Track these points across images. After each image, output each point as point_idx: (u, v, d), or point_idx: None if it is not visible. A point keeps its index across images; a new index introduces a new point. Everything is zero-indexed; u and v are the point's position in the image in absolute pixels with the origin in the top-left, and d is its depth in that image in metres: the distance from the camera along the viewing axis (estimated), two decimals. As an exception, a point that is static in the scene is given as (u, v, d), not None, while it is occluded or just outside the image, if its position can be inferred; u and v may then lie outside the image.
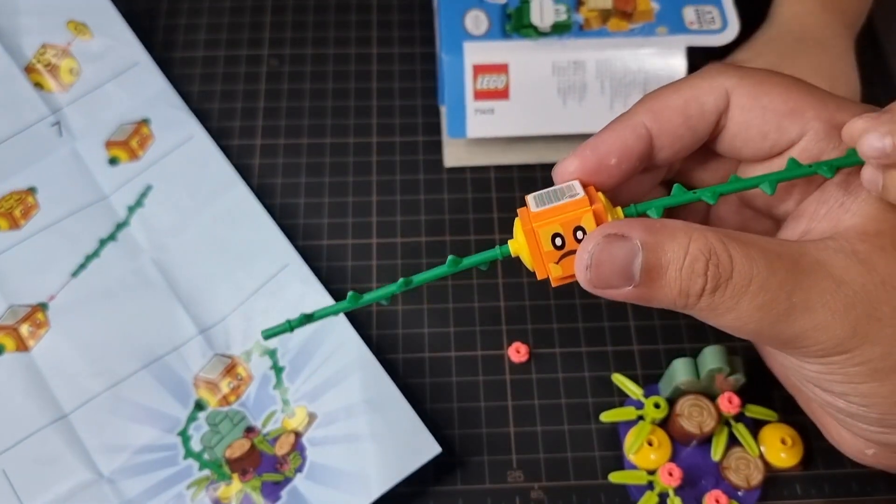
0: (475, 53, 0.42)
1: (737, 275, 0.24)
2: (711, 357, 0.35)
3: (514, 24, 0.43)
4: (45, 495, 0.35)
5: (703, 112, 0.28)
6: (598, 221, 0.26)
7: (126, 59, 0.46)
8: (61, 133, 0.43)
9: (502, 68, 0.42)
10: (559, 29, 0.43)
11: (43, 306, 0.39)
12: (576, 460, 0.37)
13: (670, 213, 0.30)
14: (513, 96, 0.42)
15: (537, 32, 0.43)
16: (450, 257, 0.27)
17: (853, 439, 0.30)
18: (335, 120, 0.46)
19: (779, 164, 0.28)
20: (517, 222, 0.27)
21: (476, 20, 0.43)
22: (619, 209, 0.27)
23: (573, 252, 0.26)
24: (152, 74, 0.46)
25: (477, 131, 0.42)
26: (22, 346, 0.38)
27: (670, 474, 0.35)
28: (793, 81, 0.28)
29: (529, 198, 0.27)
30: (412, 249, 0.42)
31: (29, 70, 0.44)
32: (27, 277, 0.40)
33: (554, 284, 0.27)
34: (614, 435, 0.38)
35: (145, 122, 0.44)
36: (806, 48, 0.43)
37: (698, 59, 0.42)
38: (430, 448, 0.35)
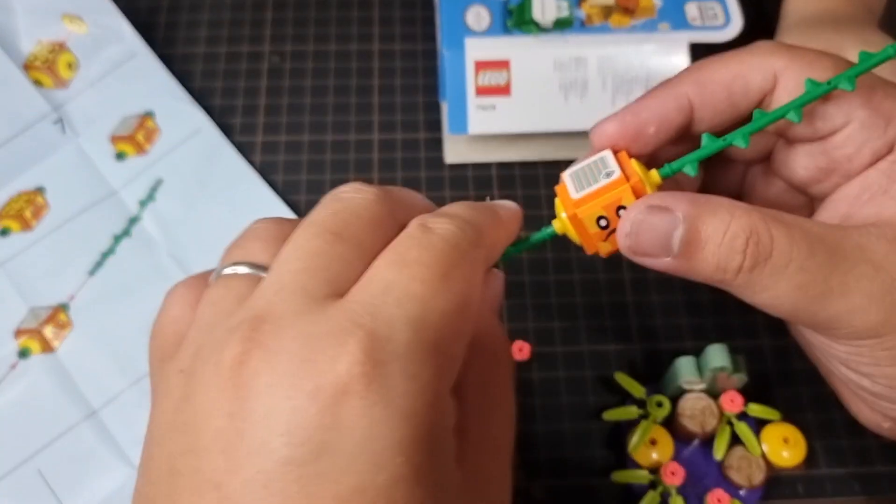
0: (476, 49, 0.42)
1: (776, 254, 0.24)
2: (714, 356, 0.35)
3: (516, 19, 0.43)
4: (82, 494, 0.35)
5: (748, 90, 0.27)
6: (638, 195, 0.26)
7: (124, 51, 0.45)
8: (64, 130, 0.43)
9: (504, 64, 0.42)
10: (561, 25, 0.42)
11: (64, 307, 0.39)
12: (578, 459, 0.37)
13: (708, 183, 0.30)
14: (514, 92, 0.42)
15: (539, 28, 0.42)
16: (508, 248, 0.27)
17: (872, 413, 0.30)
18: (336, 117, 0.46)
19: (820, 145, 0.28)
20: (558, 202, 0.27)
21: (477, 16, 0.43)
22: (654, 171, 0.26)
23: None
24: (152, 66, 0.45)
25: (478, 128, 0.42)
26: (47, 348, 0.38)
27: (672, 473, 0.35)
28: (844, 65, 0.27)
29: (566, 177, 0.27)
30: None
31: (27, 68, 0.44)
32: (45, 278, 0.40)
33: (604, 255, 0.27)
34: (616, 434, 0.38)
35: (149, 115, 0.44)
36: (824, 31, 0.42)
37: (701, 55, 0.42)
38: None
